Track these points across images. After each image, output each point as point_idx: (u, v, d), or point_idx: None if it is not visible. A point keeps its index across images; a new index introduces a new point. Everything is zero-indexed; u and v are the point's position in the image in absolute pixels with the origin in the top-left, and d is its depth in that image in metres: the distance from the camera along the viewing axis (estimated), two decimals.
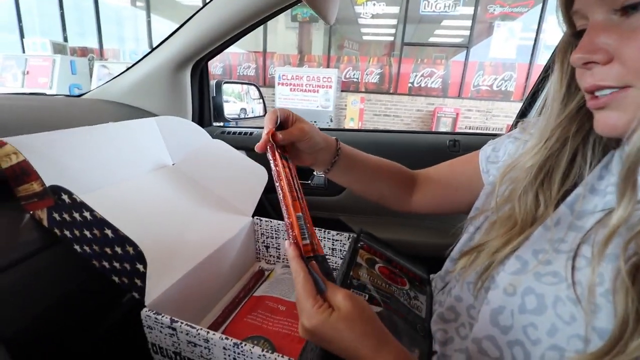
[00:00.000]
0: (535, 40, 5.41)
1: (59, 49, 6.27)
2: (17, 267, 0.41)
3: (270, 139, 0.42)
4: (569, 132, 0.39)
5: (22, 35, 7.10)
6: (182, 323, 0.39)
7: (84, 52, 6.88)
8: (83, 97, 0.93)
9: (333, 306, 0.33)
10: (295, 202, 0.39)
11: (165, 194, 0.63)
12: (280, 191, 0.40)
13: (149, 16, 6.73)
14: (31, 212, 0.45)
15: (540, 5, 5.29)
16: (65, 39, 6.93)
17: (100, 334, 0.49)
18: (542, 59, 5.50)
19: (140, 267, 0.39)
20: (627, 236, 0.29)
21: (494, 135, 0.58)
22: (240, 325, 0.51)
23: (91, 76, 5.72)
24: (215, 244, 0.57)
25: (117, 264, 0.41)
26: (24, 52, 6.35)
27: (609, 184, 0.37)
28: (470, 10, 5.54)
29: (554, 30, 5.35)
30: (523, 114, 0.93)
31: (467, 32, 5.67)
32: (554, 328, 0.34)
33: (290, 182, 0.40)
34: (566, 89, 0.38)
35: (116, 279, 0.43)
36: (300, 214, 0.38)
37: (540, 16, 5.31)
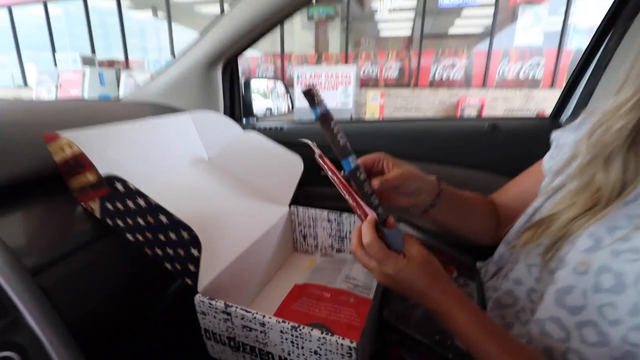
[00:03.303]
0: (564, 24, 5.14)
1: (87, 61, 6.59)
2: (73, 258, 0.43)
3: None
4: None
5: (53, 51, 7.52)
6: (237, 307, 0.39)
7: (110, 63, 7.22)
8: (121, 100, 0.96)
9: (408, 256, 0.38)
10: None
11: (204, 186, 0.64)
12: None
13: (170, 26, 6.93)
14: (83, 204, 0.47)
15: None
16: (93, 52, 7.28)
17: (152, 320, 0.50)
18: (571, 44, 5.23)
19: (194, 251, 0.39)
20: None
21: (537, 119, 0.55)
22: (287, 312, 0.51)
23: (118, 85, 5.98)
24: (257, 233, 0.57)
25: (170, 250, 0.42)
26: (56, 66, 6.72)
27: None
28: None
29: (583, 14, 5.07)
30: (563, 102, 0.87)
31: (489, 21, 5.47)
32: (637, 307, 0.32)
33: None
34: None
35: (169, 265, 0.44)
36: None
37: None
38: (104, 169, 0.43)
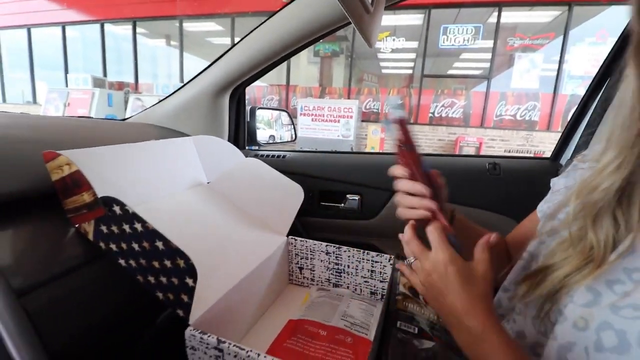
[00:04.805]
0: (559, 70, 5.38)
1: (98, 83, 6.77)
2: (59, 281, 0.41)
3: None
4: None
5: (66, 71, 7.76)
6: (230, 344, 0.36)
7: (120, 86, 7.42)
8: (127, 121, 0.97)
9: (477, 260, 0.39)
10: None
11: (202, 211, 0.63)
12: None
13: (182, 54, 7.21)
14: (77, 225, 0.45)
15: (562, 37, 5.32)
16: (105, 74, 7.50)
17: (139, 352, 0.47)
18: (566, 89, 5.44)
19: (189, 281, 0.38)
20: None
21: (538, 159, 0.56)
22: (281, 350, 0.48)
23: (126, 108, 6.11)
24: (253, 263, 0.55)
25: (163, 279, 0.40)
26: (67, 86, 6.89)
27: None
28: (489, 43, 5.63)
29: (577, 61, 5.32)
30: (563, 144, 0.89)
31: (487, 64, 5.72)
32: None
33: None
34: None
35: (160, 294, 0.42)
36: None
37: (562, 47, 5.31)
38: (100, 190, 0.42)
